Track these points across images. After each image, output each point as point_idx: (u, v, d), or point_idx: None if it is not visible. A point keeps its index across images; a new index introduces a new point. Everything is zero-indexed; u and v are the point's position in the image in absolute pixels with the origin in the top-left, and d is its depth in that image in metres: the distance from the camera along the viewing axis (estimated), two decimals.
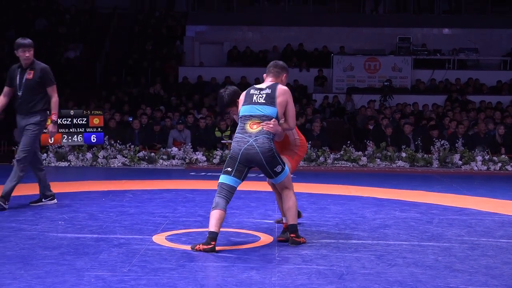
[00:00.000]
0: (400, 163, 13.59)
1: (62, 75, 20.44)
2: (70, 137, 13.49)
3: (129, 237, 6.05)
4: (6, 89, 7.83)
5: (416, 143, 14.19)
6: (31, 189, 8.70)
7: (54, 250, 5.49)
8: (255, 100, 5.75)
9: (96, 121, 13.67)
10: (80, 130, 13.54)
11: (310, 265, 5.16)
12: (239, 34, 23.51)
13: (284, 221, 6.20)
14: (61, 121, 13.46)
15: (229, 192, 5.67)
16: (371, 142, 14.14)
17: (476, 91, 20.44)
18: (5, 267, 4.92)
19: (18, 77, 7.69)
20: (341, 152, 13.81)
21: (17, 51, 7.67)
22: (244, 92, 5.92)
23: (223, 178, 5.70)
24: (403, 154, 13.69)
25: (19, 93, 7.68)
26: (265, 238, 6.17)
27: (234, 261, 5.22)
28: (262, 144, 5.62)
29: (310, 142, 13.97)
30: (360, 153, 13.83)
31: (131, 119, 16.21)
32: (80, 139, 13.53)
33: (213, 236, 5.51)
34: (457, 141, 14.09)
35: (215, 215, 5.56)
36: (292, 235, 5.83)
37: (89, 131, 13.62)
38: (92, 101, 18.14)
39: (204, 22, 23.64)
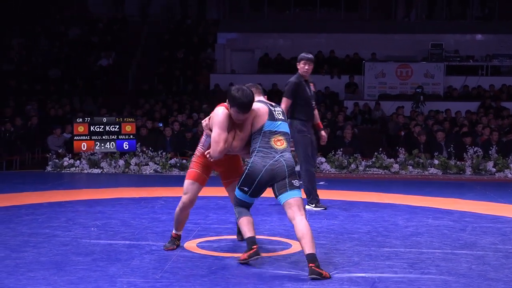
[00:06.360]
0: (432, 170, 13.47)
1: (95, 82, 20.70)
2: (102, 144, 13.62)
3: (161, 244, 6.07)
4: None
5: (449, 150, 14.05)
6: (65, 196, 8.77)
7: (87, 256, 5.53)
8: (276, 117, 5.54)
9: (128, 128, 13.80)
10: (113, 137, 13.70)
11: (342, 273, 5.13)
12: (270, 41, 23.52)
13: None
14: (94, 128, 13.60)
15: (249, 204, 5.50)
16: (403, 149, 14.02)
17: (510, 98, 20.20)
18: (39, 273, 4.97)
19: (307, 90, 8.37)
20: (373, 159, 13.73)
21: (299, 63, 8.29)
22: (263, 105, 5.59)
23: (239, 195, 5.49)
24: (436, 161, 13.57)
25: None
26: (297, 245, 6.14)
27: (266, 268, 5.21)
28: (288, 158, 5.41)
29: (341, 149, 13.96)
30: (392, 160, 13.74)
31: (161, 124, 16.28)
32: (112, 146, 13.67)
33: (253, 240, 5.29)
34: (491, 148, 13.92)
35: (244, 222, 5.38)
36: (311, 264, 4.99)
37: (121, 138, 13.76)
38: (125, 109, 18.30)
39: (235, 29, 23.70)
